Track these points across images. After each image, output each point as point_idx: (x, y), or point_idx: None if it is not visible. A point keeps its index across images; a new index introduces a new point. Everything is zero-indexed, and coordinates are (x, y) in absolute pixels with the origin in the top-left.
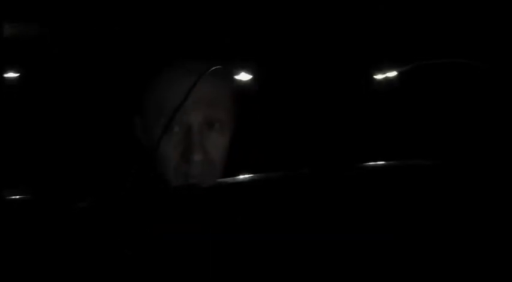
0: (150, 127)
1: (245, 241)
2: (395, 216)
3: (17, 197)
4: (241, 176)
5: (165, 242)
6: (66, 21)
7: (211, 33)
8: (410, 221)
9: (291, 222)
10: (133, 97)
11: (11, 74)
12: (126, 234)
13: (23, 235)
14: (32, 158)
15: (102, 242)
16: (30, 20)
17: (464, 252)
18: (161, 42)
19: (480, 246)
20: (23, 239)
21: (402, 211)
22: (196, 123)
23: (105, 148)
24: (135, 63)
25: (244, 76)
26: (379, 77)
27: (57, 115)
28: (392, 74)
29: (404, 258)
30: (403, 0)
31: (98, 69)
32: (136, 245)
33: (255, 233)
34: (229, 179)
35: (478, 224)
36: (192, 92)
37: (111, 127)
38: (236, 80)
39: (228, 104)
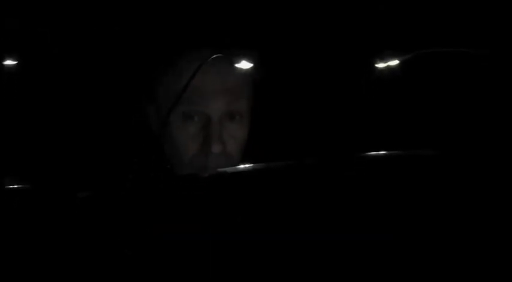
0: (163, 115)
1: (246, 238)
2: (396, 206)
3: (17, 186)
4: (242, 166)
5: (166, 239)
6: (71, 10)
7: (219, 20)
8: (411, 211)
9: (293, 212)
10: (143, 86)
11: (9, 62)
12: (126, 229)
13: (22, 225)
14: (32, 148)
15: (102, 234)
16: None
17: (464, 247)
18: (173, 30)
19: (480, 240)
20: (22, 229)
21: (403, 200)
22: (217, 113)
23: (107, 138)
24: (144, 53)
25: (245, 64)
26: (380, 65)
27: (58, 105)
28: (394, 62)
29: (405, 253)
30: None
31: (103, 59)
32: (137, 243)
33: (255, 230)
34: (231, 169)
35: (479, 216)
36: (215, 81)
37: (113, 117)
38: (253, 72)
39: (249, 95)
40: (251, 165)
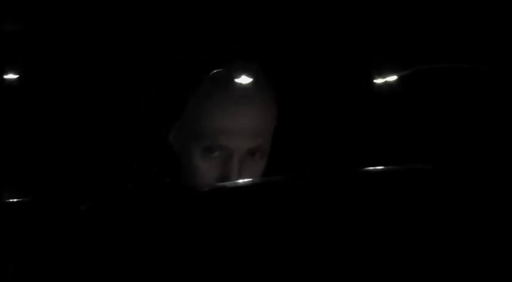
0: (187, 143)
1: (244, 244)
2: (394, 221)
3: (16, 199)
4: (241, 181)
5: (164, 245)
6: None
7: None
8: (409, 226)
9: (290, 226)
10: (170, 107)
11: (10, 75)
12: (126, 238)
13: (22, 239)
14: (31, 160)
15: (102, 246)
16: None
17: (461, 260)
18: (201, 51)
19: (476, 253)
20: (22, 243)
21: (401, 216)
22: (239, 151)
23: (104, 149)
24: (174, 72)
25: (244, 79)
26: (379, 81)
27: (56, 117)
28: (393, 78)
29: (402, 263)
30: (403, 5)
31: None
32: (137, 249)
33: (253, 235)
34: (230, 183)
35: (475, 228)
36: (242, 123)
37: (111, 128)
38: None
39: (270, 132)
40: (249, 180)
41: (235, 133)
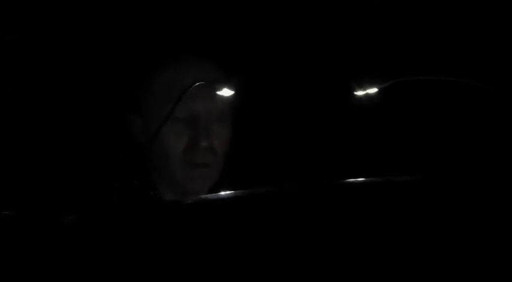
0: (152, 124)
1: (229, 256)
2: (375, 233)
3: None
4: (224, 193)
5: (150, 258)
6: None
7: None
8: (392, 238)
9: (273, 239)
10: (127, 96)
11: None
12: (111, 250)
13: (9, 253)
14: (15, 172)
15: (87, 258)
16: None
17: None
18: (162, 40)
19: (461, 265)
20: (10, 257)
21: (382, 227)
22: (203, 111)
23: (89, 158)
24: (131, 62)
25: (226, 92)
26: (359, 93)
27: (40, 129)
28: (373, 90)
29: (389, 277)
30: (384, 19)
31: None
32: (122, 262)
33: (238, 247)
34: (212, 195)
35: (462, 238)
36: (203, 85)
37: (94, 138)
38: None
39: (230, 100)
40: (232, 192)
41: (199, 95)
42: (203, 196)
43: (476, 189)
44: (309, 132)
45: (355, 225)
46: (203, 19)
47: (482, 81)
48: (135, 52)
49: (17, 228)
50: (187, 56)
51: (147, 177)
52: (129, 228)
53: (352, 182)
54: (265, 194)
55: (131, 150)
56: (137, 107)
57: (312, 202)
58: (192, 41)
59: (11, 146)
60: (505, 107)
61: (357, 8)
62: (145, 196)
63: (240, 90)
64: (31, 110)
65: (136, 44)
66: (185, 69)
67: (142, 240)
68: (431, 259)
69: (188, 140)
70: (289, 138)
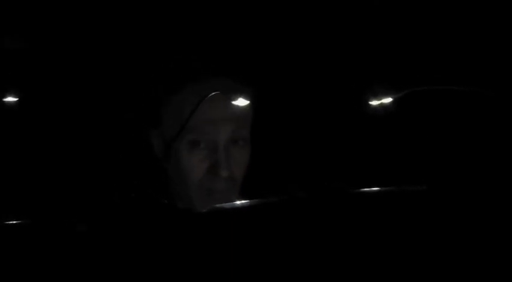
0: (172, 144)
1: (245, 264)
2: (388, 243)
3: (16, 221)
4: (239, 202)
5: (164, 266)
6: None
7: (221, 54)
8: (405, 247)
9: (287, 247)
10: (148, 111)
11: (9, 98)
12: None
13: (23, 261)
14: (27, 181)
15: (104, 265)
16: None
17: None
18: (178, 61)
19: (471, 273)
20: (21, 267)
21: (397, 237)
22: (223, 139)
23: (100, 168)
24: (149, 81)
25: (241, 102)
26: (374, 103)
27: (51, 137)
28: (387, 100)
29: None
30: (398, 28)
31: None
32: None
33: (251, 257)
34: (228, 205)
35: (469, 248)
36: (223, 110)
37: (104, 148)
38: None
39: (249, 122)
40: (248, 201)
41: (218, 120)
42: (218, 205)
43: (491, 198)
44: (324, 141)
45: (371, 235)
46: (220, 36)
47: (498, 92)
48: (158, 69)
49: (33, 237)
50: (206, 74)
51: (165, 191)
52: (144, 237)
53: (368, 191)
54: (280, 203)
55: (151, 165)
56: (159, 122)
57: (326, 211)
58: (209, 60)
59: (20, 156)
60: None
61: (373, 19)
62: (161, 205)
63: (257, 100)
64: (56, 122)
65: (160, 61)
66: (204, 87)
67: (158, 248)
68: (447, 269)
69: (208, 167)
70: (304, 148)
